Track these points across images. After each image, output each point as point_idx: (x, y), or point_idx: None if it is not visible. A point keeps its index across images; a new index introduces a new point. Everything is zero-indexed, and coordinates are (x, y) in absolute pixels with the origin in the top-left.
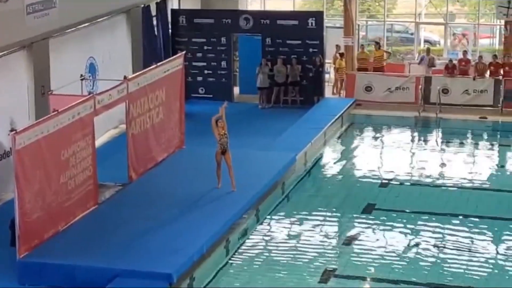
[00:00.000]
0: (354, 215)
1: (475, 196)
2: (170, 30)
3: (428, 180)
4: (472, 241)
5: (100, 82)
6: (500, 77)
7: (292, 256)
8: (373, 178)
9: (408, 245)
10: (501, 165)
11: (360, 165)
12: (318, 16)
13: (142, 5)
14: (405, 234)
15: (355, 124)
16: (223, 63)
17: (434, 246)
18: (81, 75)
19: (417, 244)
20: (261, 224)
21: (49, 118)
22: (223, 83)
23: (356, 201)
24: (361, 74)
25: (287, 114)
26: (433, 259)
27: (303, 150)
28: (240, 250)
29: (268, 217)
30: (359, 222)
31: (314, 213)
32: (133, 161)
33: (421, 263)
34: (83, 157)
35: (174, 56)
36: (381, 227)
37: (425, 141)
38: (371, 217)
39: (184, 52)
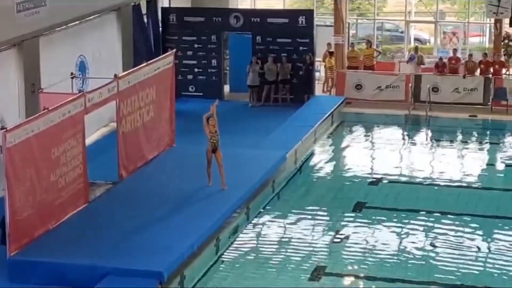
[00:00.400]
0: (345, 213)
1: (465, 194)
2: (160, 28)
3: (418, 178)
4: (462, 239)
5: (91, 80)
6: (490, 76)
7: (282, 254)
8: (364, 176)
9: (403, 243)
10: (491, 163)
11: (350, 163)
12: (308, 14)
13: (133, 3)
14: (395, 232)
15: (345, 122)
16: (214, 61)
17: (431, 244)
18: (72, 73)
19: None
20: (252, 222)
21: (40, 116)
22: (214, 81)
23: (347, 199)
24: (351, 72)
25: (278, 112)
26: (423, 257)
27: (294, 148)
28: (230, 248)
29: (259, 215)
30: (349, 220)
31: (304, 211)
32: (123, 159)
33: (412, 261)
34: (74, 155)
35: (165, 54)
36: (372, 225)
37: (415, 139)
38: (361, 215)
39: (174, 50)
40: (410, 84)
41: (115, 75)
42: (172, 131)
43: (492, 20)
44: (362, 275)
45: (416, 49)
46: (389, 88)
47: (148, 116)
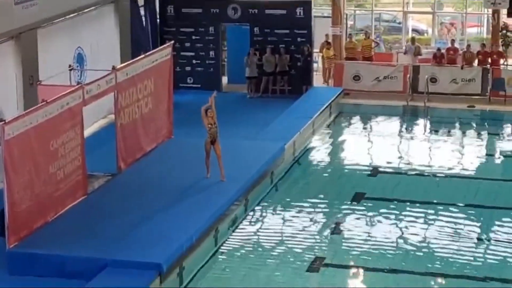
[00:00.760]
0: (343, 204)
1: (463, 185)
2: (158, 20)
3: (417, 169)
4: (461, 230)
5: (89, 72)
6: (488, 66)
7: (281, 245)
8: (362, 167)
9: (402, 233)
10: (489, 154)
11: (349, 154)
12: (306, 5)
13: None
14: (394, 223)
15: (343, 113)
16: (211, 53)
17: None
18: (70, 65)
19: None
20: (250, 213)
21: (38, 109)
22: (212, 73)
23: (345, 190)
24: (349, 63)
25: (276, 104)
26: (422, 248)
27: (292, 139)
28: (229, 240)
29: (257, 206)
30: (348, 211)
31: (303, 202)
32: (122, 151)
33: (411, 252)
34: (72, 147)
35: (163, 46)
36: (370, 216)
37: (414, 130)
38: (360, 206)
39: (172, 42)
40: (408, 75)
41: (113, 67)
42: (170, 123)
43: (490, 11)
44: (361, 266)
45: (413, 40)
46: (387, 79)
47: (146, 108)
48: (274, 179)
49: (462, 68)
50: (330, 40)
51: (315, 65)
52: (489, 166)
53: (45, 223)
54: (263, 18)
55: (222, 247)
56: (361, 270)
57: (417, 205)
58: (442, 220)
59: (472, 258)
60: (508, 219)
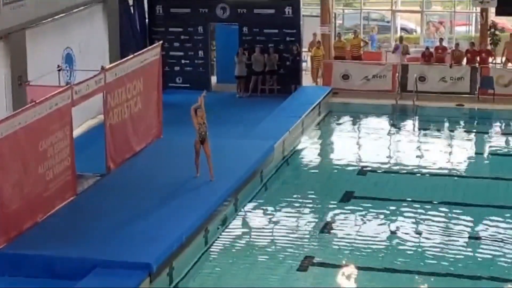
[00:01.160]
0: (333, 203)
1: (453, 183)
2: (147, 20)
3: (406, 167)
4: (450, 228)
5: (78, 73)
6: (477, 65)
7: (271, 244)
8: (351, 166)
9: (391, 232)
10: (478, 152)
11: (338, 154)
12: (294, 4)
13: None
14: (384, 221)
15: (332, 112)
16: (200, 53)
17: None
18: (58, 66)
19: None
20: (240, 213)
21: (27, 109)
22: (201, 73)
23: (335, 189)
24: (338, 63)
25: (265, 103)
26: (412, 246)
27: (281, 138)
28: (219, 239)
29: (247, 206)
30: (337, 210)
31: (292, 201)
32: (111, 151)
33: (401, 250)
34: (61, 148)
35: (151, 46)
36: (360, 215)
37: (403, 128)
38: (349, 205)
39: (161, 42)
40: (397, 74)
41: (102, 67)
42: (160, 122)
43: (478, 9)
44: (351, 264)
45: (401, 39)
46: (376, 78)
47: (136, 108)
48: (264, 178)
49: (450, 66)
50: (319, 39)
51: (304, 64)
52: (478, 164)
53: (34, 223)
54: (252, 18)
55: (212, 247)
56: (351, 269)
57: (407, 203)
58: (431, 219)
59: (461, 257)
60: (497, 217)
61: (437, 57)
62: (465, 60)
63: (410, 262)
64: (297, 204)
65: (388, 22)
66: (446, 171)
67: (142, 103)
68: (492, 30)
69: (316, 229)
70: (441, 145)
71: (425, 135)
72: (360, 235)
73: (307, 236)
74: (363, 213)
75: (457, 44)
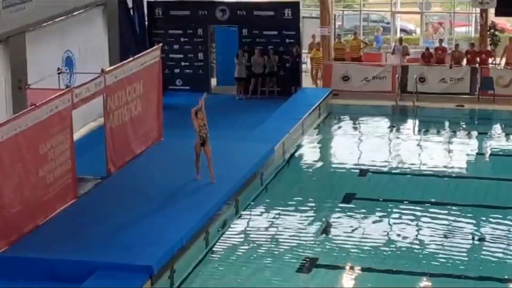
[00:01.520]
0: (334, 205)
1: (453, 184)
2: (146, 23)
3: (407, 168)
4: (451, 229)
5: (78, 76)
6: (477, 65)
7: (272, 246)
8: (352, 168)
9: (393, 233)
10: (478, 153)
11: (338, 155)
12: (294, 6)
13: None
14: (385, 223)
15: (332, 114)
16: (200, 55)
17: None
18: (58, 69)
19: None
20: (240, 215)
21: (27, 112)
22: (200, 75)
23: (335, 191)
24: (338, 64)
25: (265, 105)
26: (413, 247)
27: (281, 140)
28: (219, 241)
29: (247, 208)
30: (338, 212)
31: (293, 203)
32: (111, 154)
33: (402, 251)
34: (62, 151)
35: (151, 49)
36: (361, 216)
37: (403, 130)
38: (350, 206)
39: (161, 44)
40: (397, 75)
41: (102, 70)
42: (160, 125)
43: (478, 10)
44: (352, 266)
45: (400, 40)
46: (376, 79)
47: (136, 110)
48: (264, 180)
49: (450, 67)
50: (318, 40)
51: (303, 66)
52: (479, 165)
53: (35, 226)
54: (251, 20)
55: (213, 249)
56: (352, 270)
57: (407, 204)
58: (432, 220)
59: (463, 257)
60: (498, 218)
61: (437, 58)
62: (465, 61)
63: (411, 263)
64: (298, 206)
65: (388, 23)
66: (446, 172)
67: (142, 106)
68: (492, 30)
69: (317, 231)
70: (442, 146)
71: (425, 136)
72: (361, 236)
73: (308, 237)
74: (364, 214)
75: (457, 45)
